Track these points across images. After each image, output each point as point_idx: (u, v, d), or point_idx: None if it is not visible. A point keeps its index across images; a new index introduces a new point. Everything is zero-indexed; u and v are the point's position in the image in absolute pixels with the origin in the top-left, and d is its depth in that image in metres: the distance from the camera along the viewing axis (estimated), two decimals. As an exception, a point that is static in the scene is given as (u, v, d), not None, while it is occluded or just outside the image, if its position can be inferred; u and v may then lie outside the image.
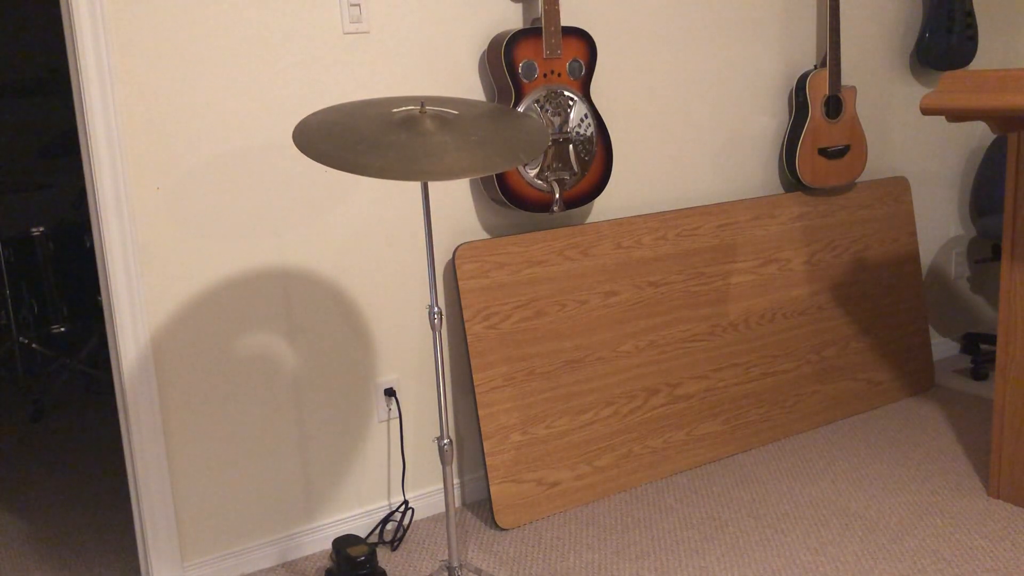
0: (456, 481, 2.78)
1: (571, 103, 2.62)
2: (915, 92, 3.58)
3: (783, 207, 3.15)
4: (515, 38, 2.51)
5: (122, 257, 2.21)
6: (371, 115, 1.97)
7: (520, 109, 2.54)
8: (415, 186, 2.59)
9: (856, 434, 3.13)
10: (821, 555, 2.39)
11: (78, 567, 2.59)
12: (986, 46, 3.73)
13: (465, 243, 2.57)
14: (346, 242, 2.51)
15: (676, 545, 2.48)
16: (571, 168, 2.64)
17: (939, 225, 3.75)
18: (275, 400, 2.46)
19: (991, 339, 3.74)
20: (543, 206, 2.62)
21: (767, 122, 3.22)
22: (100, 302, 4.04)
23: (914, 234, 3.45)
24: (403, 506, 2.70)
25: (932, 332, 3.81)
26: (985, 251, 3.92)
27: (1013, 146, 2.50)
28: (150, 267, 2.26)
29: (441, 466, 2.39)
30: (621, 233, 2.82)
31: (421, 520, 2.72)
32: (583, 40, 2.63)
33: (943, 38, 3.47)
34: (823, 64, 3.18)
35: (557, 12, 2.55)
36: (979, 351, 3.78)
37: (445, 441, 2.11)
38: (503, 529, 2.63)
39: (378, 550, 2.55)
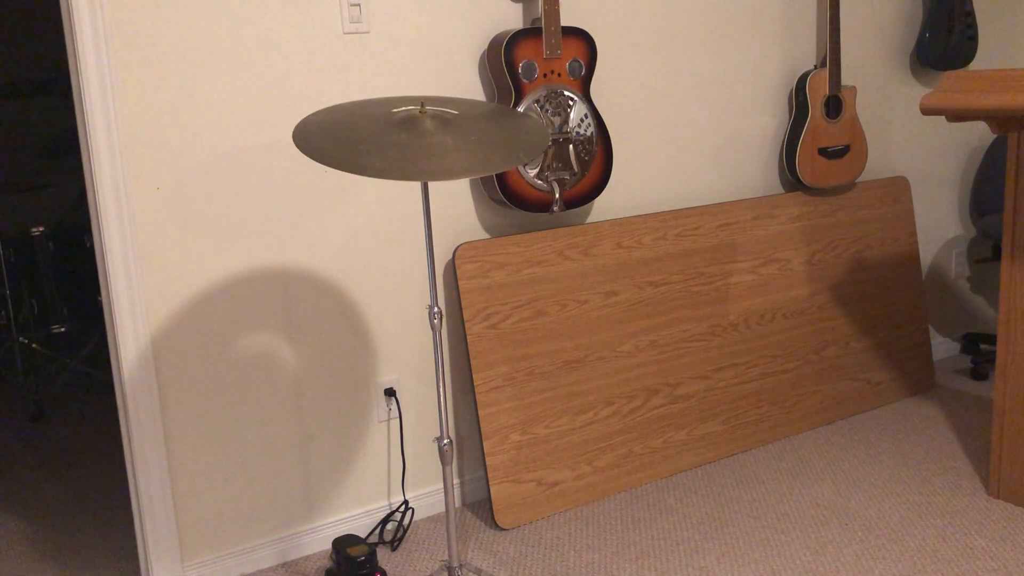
0: (456, 481, 2.78)
1: (571, 103, 2.62)
2: (915, 92, 3.58)
3: (783, 207, 3.15)
4: (515, 38, 2.51)
5: (122, 257, 2.21)
6: (371, 115, 1.97)
7: (520, 109, 2.54)
8: (415, 186, 2.59)
9: (856, 434, 3.13)
10: (821, 555, 2.39)
11: (78, 567, 2.59)
12: (986, 46, 3.73)
13: (465, 243, 2.57)
14: (346, 242, 2.51)
15: (676, 545, 2.48)
16: (571, 168, 2.64)
17: (939, 225, 3.76)
18: (275, 400, 2.46)
19: (991, 339, 3.74)
20: (543, 206, 2.62)
21: (767, 122, 3.22)
22: (100, 302, 4.04)
23: (914, 234, 3.45)
24: (403, 506, 2.70)
25: (932, 332, 3.81)
26: (985, 251, 3.91)
27: (1013, 146, 2.50)
28: (150, 267, 2.26)
29: (441, 466, 2.39)
30: (621, 233, 2.82)
31: (421, 520, 2.72)
32: (583, 40, 2.63)
33: (943, 38, 3.47)
34: (823, 64, 3.18)
35: (557, 12, 2.55)
36: (979, 351, 3.78)
37: (445, 441, 2.11)
38: (503, 529, 2.63)
39: (378, 550, 2.55)
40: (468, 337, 2.56)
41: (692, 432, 2.95)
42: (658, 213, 2.90)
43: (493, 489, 2.61)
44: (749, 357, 3.06)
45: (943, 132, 3.70)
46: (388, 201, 2.55)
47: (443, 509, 2.77)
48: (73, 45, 2.13)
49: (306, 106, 2.40)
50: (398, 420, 2.67)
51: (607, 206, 2.91)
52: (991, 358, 3.57)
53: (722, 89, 3.10)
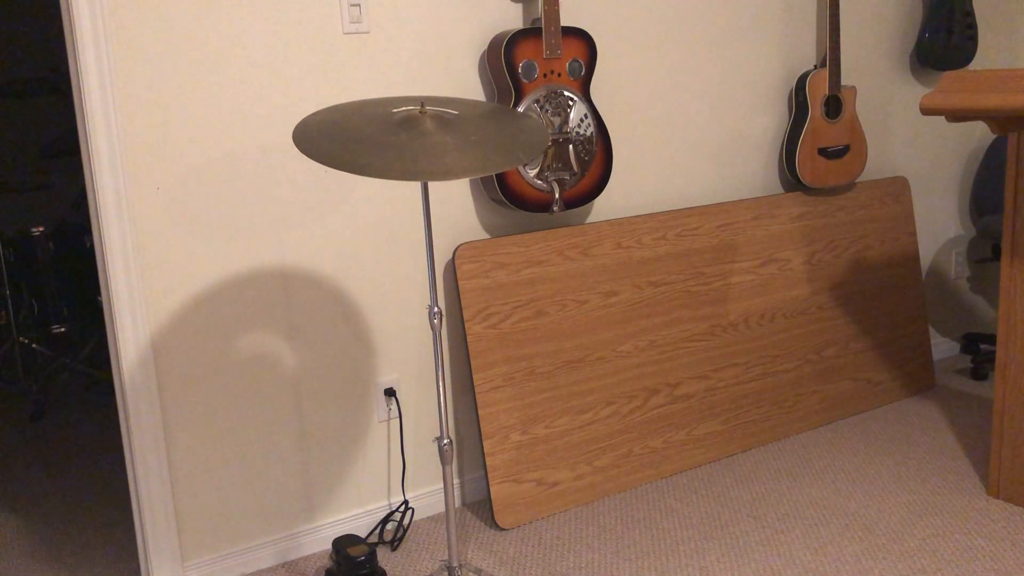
0: (456, 481, 2.78)
1: (571, 103, 2.62)
2: (915, 92, 3.58)
3: (783, 207, 3.15)
4: (515, 38, 2.51)
5: (122, 257, 2.21)
6: (371, 115, 1.97)
7: (520, 109, 2.54)
8: (415, 186, 2.59)
9: (856, 434, 3.13)
10: (821, 555, 2.39)
11: (78, 567, 2.59)
12: (986, 46, 3.73)
13: (465, 243, 2.57)
14: (346, 242, 2.51)
15: (676, 545, 2.48)
16: (571, 168, 2.64)
17: (939, 225, 3.76)
18: (275, 400, 2.46)
19: (991, 339, 3.74)
20: (543, 206, 2.62)
21: (767, 122, 3.22)
22: (100, 302, 4.04)
23: (914, 234, 3.45)
24: (403, 506, 2.70)
25: (932, 332, 3.81)
26: (985, 251, 3.92)
27: (1013, 146, 2.50)
28: (150, 267, 2.26)
29: (441, 466, 2.39)
30: (621, 233, 2.82)
31: (421, 520, 2.72)
32: (583, 40, 2.63)
33: (943, 38, 3.47)
34: (823, 64, 3.18)
35: (557, 12, 2.55)
36: (979, 351, 3.78)
37: (445, 441, 2.11)
38: (503, 529, 2.63)
39: (378, 550, 2.55)
40: (468, 337, 2.56)
41: (692, 432, 2.95)
42: (658, 213, 2.90)
43: (493, 489, 2.61)
44: (749, 357, 3.06)
45: (943, 132, 3.70)
46: (388, 201, 2.55)
47: (443, 509, 2.77)
48: (73, 45, 2.13)
49: (306, 106, 2.40)
50: (398, 420, 2.67)
51: (607, 206, 2.91)
52: (991, 358, 3.57)
53: (722, 89, 3.10)
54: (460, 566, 2.20)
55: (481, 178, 2.66)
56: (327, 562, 2.52)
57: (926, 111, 2.44)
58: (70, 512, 2.95)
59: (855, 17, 3.36)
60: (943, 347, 3.85)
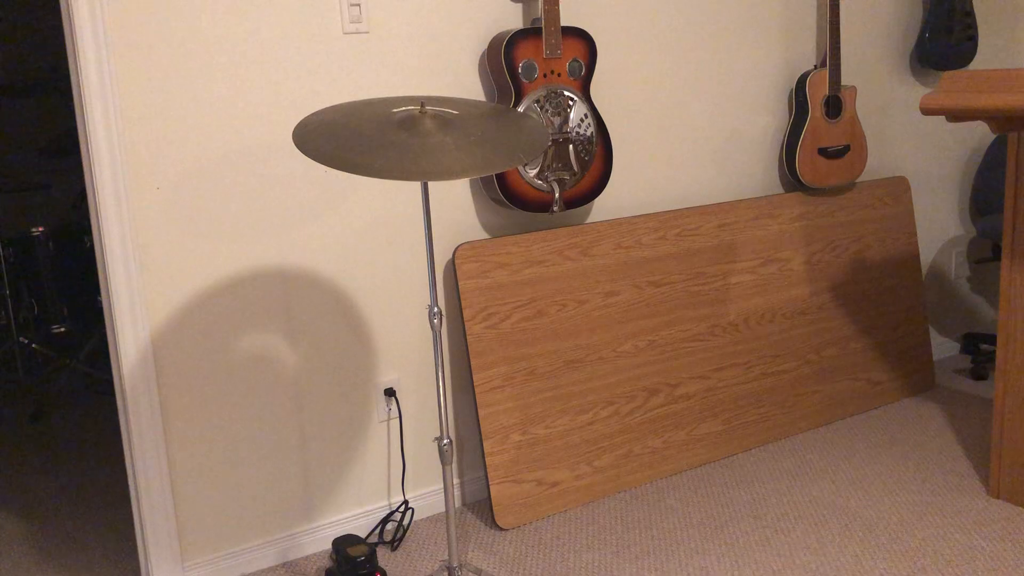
0: (456, 481, 2.78)
1: (571, 103, 2.62)
2: (915, 92, 3.58)
3: (783, 207, 3.15)
4: (515, 38, 2.51)
5: (122, 257, 2.21)
6: (371, 115, 1.97)
7: (520, 109, 2.54)
8: (415, 186, 2.59)
9: (856, 434, 3.13)
10: (821, 555, 2.39)
11: (78, 567, 2.59)
12: (986, 46, 3.73)
13: (465, 243, 2.57)
14: (346, 242, 2.51)
15: (676, 545, 2.48)
16: (571, 168, 2.64)
17: (939, 225, 3.76)
18: (275, 400, 2.46)
19: (991, 339, 3.74)
20: (543, 206, 2.62)
21: (767, 122, 3.22)
22: (100, 302, 4.04)
23: (914, 234, 3.45)
24: (403, 506, 2.70)
25: (932, 332, 3.81)
26: (985, 251, 3.91)
27: (1013, 146, 2.50)
28: (150, 267, 2.26)
29: (441, 466, 2.39)
30: (621, 233, 2.82)
31: (421, 520, 2.72)
32: (583, 40, 2.63)
33: (943, 38, 3.47)
34: (823, 64, 3.18)
35: (557, 12, 2.55)
36: (979, 351, 3.78)
37: (445, 441, 2.11)
38: (503, 529, 2.63)
39: (378, 550, 2.55)
40: (468, 337, 2.56)
41: (692, 432, 2.95)
42: (658, 213, 2.90)
43: (493, 489, 2.61)
44: (749, 357, 3.06)
45: (943, 132, 3.70)
46: (388, 201, 2.55)
47: (443, 509, 2.77)
48: (73, 45, 2.13)
49: (306, 106, 2.40)
50: (398, 420, 2.67)
51: (607, 206, 2.91)
52: (991, 358, 3.57)
53: (722, 89, 3.10)
54: (460, 566, 2.20)
55: (481, 178, 2.66)
56: (327, 562, 2.52)
57: (926, 111, 2.44)
58: (70, 512, 2.95)
59: (855, 17, 3.36)
60: (943, 347, 3.85)
